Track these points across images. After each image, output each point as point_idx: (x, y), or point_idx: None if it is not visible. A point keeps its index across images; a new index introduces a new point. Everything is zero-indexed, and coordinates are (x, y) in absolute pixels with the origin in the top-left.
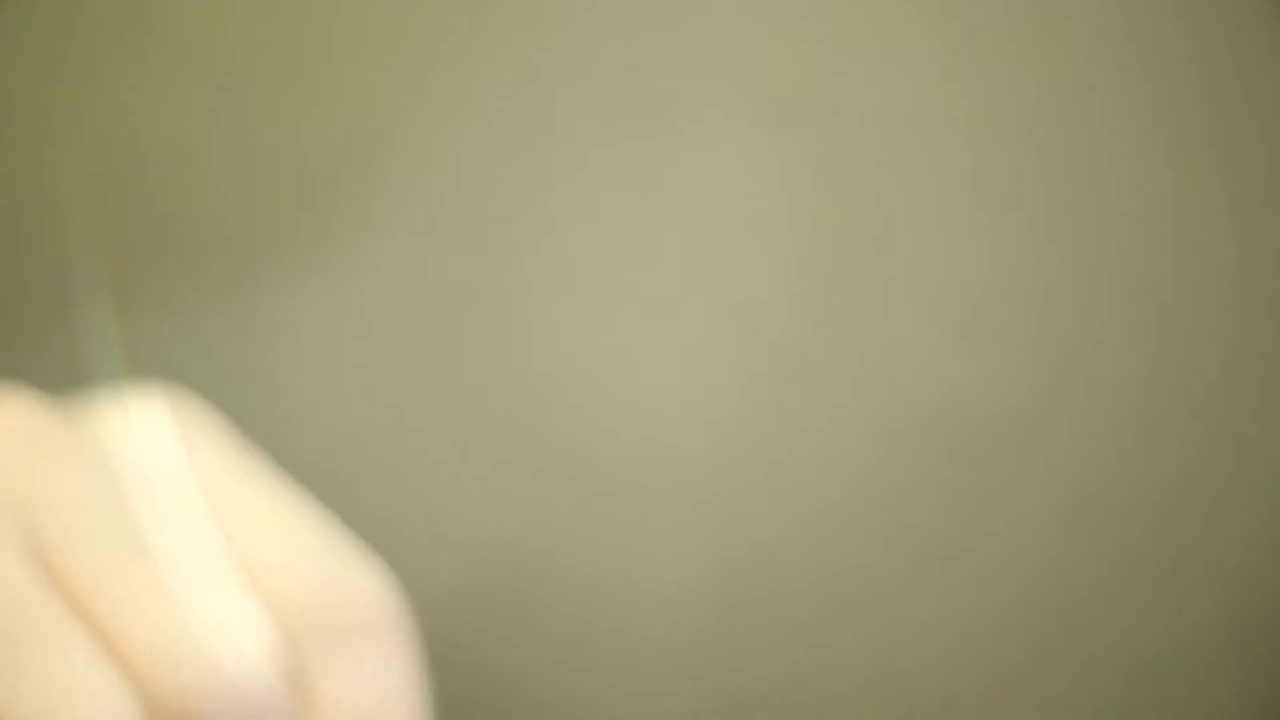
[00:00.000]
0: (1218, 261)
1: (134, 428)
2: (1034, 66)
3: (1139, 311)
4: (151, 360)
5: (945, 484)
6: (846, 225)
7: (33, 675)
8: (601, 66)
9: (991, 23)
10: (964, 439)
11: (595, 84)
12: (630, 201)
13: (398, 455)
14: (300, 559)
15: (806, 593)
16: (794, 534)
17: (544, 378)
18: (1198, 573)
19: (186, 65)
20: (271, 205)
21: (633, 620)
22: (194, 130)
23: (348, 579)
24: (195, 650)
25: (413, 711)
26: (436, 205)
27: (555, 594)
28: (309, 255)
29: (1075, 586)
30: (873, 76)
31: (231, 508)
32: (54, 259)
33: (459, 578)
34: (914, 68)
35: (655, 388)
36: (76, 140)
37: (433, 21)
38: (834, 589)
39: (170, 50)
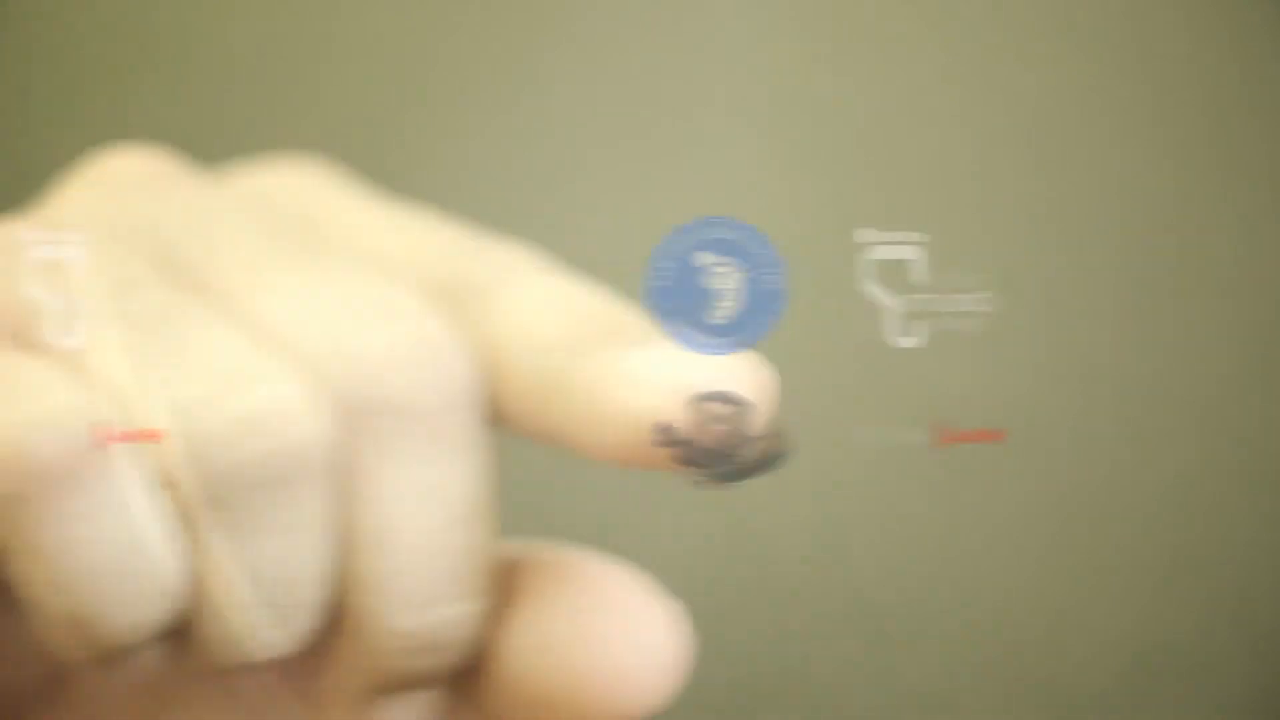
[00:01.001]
0: (1219, 262)
1: (267, 178)
2: (1034, 66)
3: (1139, 311)
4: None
5: (944, 483)
6: (846, 225)
7: (188, 356)
8: (601, 66)
9: (991, 22)
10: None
11: (595, 83)
12: (630, 201)
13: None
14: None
15: (806, 592)
16: (794, 534)
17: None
18: (1198, 573)
19: (187, 65)
20: None
21: None
22: (195, 130)
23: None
24: (372, 341)
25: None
26: (438, 206)
27: None
28: None
29: (1075, 586)
30: (871, 78)
31: (379, 230)
32: None
33: None
34: (912, 68)
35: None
36: (76, 140)
37: (433, 21)
38: (834, 589)
39: (171, 50)
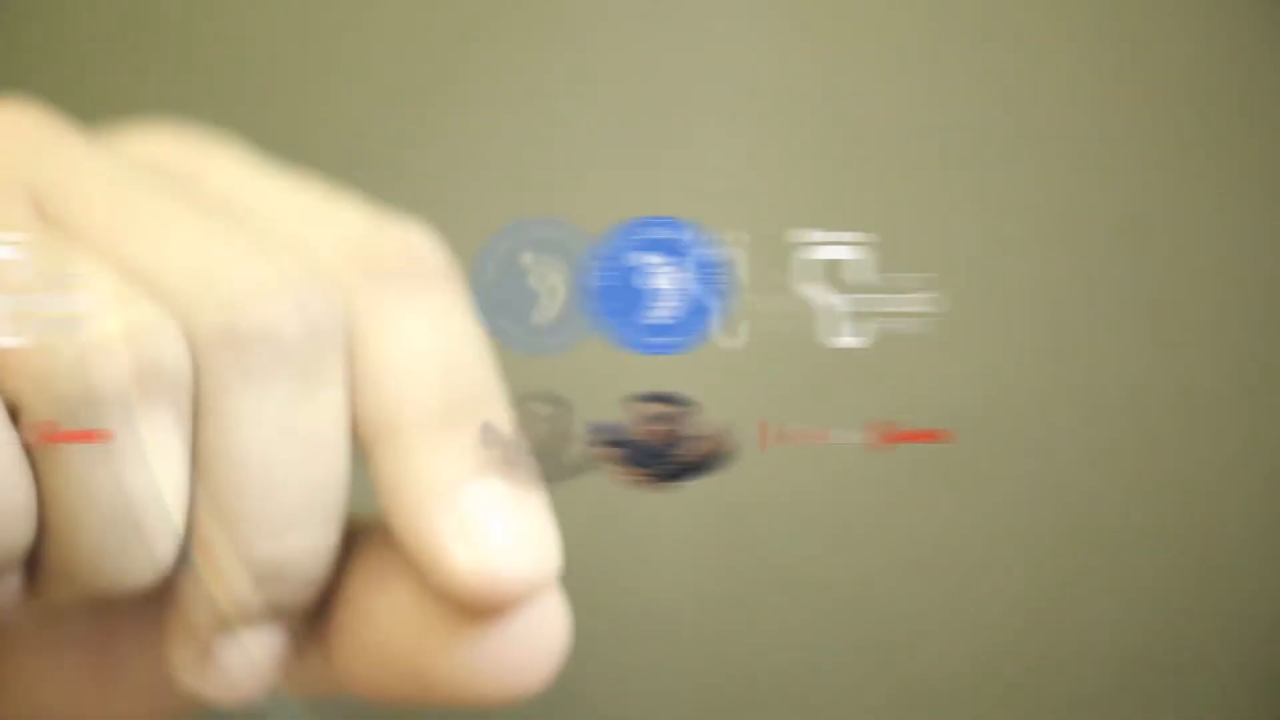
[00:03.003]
0: (1219, 262)
1: (147, 140)
2: (1034, 66)
3: (1139, 311)
4: None
5: (944, 483)
6: (846, 225)
7: (54, 304)
8: (601, 65)
9: (991, 22)
10: (963, 438)
11: (595, 82)
12: (628, 199)
13: None
14: (337, 215)
15: (806, 591)
16: (795, 533)
17: (545, 372)
18: (1196, 573)
19: (187, 67)
20: None
21: (632, 619)
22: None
23: (391, 229)
24: (234, 275)
25: (476, 351)
26: (440, 205)
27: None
28: None
29: (1075, 586)
30: (870, 78)
31: (257, 187)
32: None
33: None
34: (911, 68)
35: (657, 385)
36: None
37: (433, 20)
38: (833, 588)
39: (172, 51)
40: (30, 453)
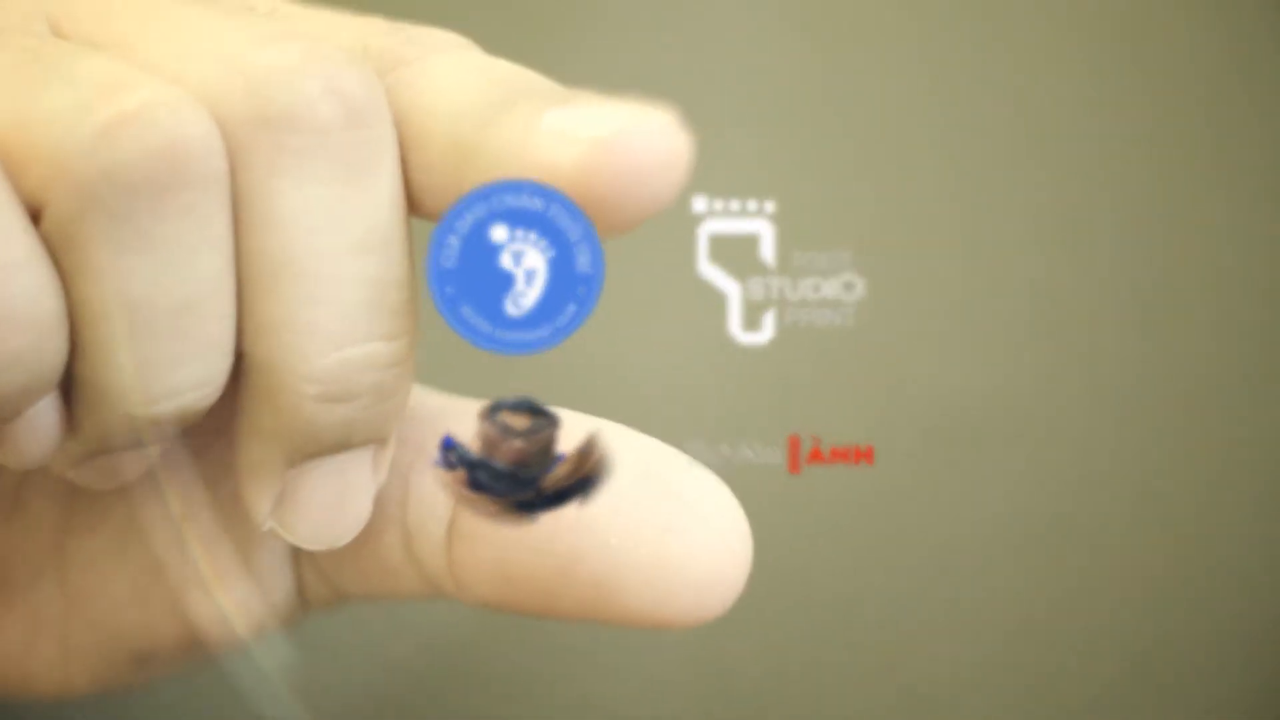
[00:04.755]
0: (1219, 262)
1: None
2: (1035, 66)
3: (1140, 311)
4: None
5: (945, 483)
6: (846, 226)
7: (58, 75)
8: (602, 47)
9: (992, 23)
10: (963, 439)
11: (596, 65)
12: None
13: None
14: (360, 17)
15: (806, 591)
16: (796, 532)
17: (548, 369)
18: (1197, 573)
19: None
20: None
21: None
22: None
23: (407, 26)
24: (260, 57)
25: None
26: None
27: None
28: None
29: (1075, 586)
30: (872, 77)
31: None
32: None
33: None
34: (913, 69)
35: (657, 383)
36: None
37: (433, 19)
38: (834, 588)
39: None
40: (57, 256)
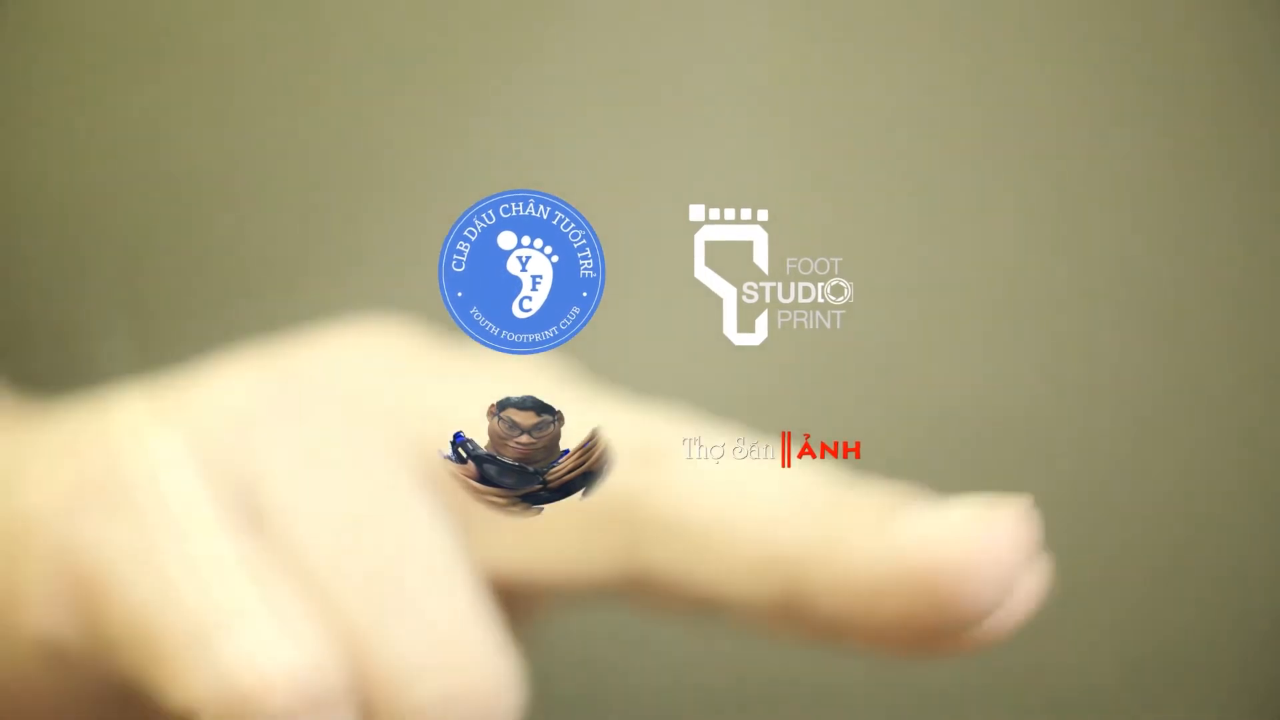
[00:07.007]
0: (1222, 263)
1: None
2: (1036, 66)
3: (1142, 312)
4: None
5: (944, 482)
6: (846, 227)
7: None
8: (600, 59)
9: (993, 23)
10: (966, 440)
11: (594, 77)
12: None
13: None
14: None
15: None
16: None
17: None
18: (1197, 573)
19: (189, 69)
20: (277, 206)
21: (634, 622)
22: (197, 132)
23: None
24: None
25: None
26: (441, 201)
27: None
28: (318, 255)
29: (1075, 586)
30: (874, 77)
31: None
32: (59, 262)
33: None
34: (915, 68)
35: (657, 381)
36: (76, 144)
37: (434, 18)
38: None
39: (173, 53)
40: None
